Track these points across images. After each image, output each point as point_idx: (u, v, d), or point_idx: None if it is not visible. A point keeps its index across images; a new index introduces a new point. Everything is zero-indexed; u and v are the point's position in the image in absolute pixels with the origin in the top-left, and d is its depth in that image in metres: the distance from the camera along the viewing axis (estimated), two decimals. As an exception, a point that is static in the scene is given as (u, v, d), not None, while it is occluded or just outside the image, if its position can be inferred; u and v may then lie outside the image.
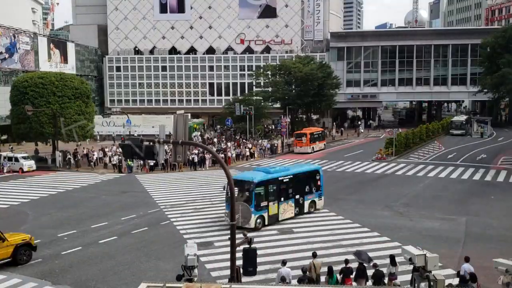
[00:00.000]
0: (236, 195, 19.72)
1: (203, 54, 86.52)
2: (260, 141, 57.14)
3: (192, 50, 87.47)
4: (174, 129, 13.76)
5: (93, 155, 46.25)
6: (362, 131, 76.08)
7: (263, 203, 24.21)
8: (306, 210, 26.97)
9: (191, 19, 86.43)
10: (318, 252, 20.78)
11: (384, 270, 16.24)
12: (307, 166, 30.48)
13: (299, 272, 16.22)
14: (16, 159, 43.69)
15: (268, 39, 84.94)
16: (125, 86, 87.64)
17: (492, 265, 12.20)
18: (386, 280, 15.99)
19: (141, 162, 42.02)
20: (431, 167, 42.71)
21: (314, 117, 76.72)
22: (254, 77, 76.03)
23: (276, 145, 54.60)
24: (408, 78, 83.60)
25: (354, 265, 16.38)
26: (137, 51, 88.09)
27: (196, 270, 13.95)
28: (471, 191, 33.24)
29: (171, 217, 27.35)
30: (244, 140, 57.96)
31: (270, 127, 74.87)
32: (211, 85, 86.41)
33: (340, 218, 26.45)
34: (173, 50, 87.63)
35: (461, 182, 36.77)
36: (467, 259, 16.36)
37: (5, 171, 43.18)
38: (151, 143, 13.99)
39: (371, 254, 20.11)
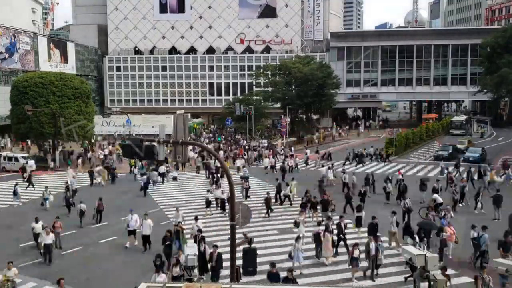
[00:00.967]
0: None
1: (203, 54, 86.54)
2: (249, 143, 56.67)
3: (192, 50, 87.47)
4: (174, 129, 13.75)
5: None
6: (362, 131, 76.04)
7: None
8: None
9: (191, 19, 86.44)
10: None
11: None
12: None
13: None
14: (16, 159, 43.64)
15: (268, 39, 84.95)
16: (125, 86, 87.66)
17: (492, 265, 12.21)
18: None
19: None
20: (431, 167, 42.65)
21: (314, 117, 76.71)
22: (254, 77, 76.06)
23: (276, 145, 54.57)
24: (408, 78, 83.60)
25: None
26: (137, 51, 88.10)
27: (196, 270, 13.96)
28: (471, 191, 33.15)
29: (171, 217, 27.30)
30: (243, 140, 57.97)
31: (270, 127, 74.87)
32: (211, 85, 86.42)
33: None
34: (173, 50, 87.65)
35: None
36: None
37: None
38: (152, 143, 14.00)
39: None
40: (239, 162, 42.08)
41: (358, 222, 23.55)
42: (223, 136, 63.18)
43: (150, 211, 28.52)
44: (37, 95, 45.03)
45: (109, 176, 38.62)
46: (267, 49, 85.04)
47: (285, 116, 62.21)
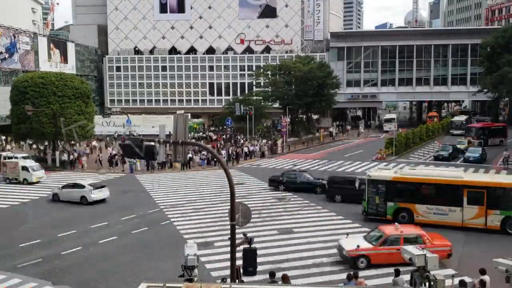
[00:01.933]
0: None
1: (203, 54, 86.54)
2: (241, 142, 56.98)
3: (192, 50, 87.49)
4: (174, 129, 13.75)
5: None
6: (362, 131, 76.04)
7: None
8: None
9: (191, 19, 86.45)
10: (318, 252, 20.89)
11: None
12: None
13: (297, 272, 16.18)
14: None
15: (268, 39, 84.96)
16: (125, 86, 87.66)
17: (492, 265, 12.21)
18: None
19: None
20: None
21: (314, 117, 76.72)
22: (254, 77, 76.07)
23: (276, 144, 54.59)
24: (408, 78, 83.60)
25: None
26: (137, 51, 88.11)
27: (196, 270, 13.97)
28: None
29: (171, 217, 27.36)
30: (243, 140, 58.04)
31: (270, 127, 74.88)
32: (211, 85, 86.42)
33: (340, 218, 26.46)
34: (173, 50, 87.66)
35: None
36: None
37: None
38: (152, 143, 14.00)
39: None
40: None
41: None
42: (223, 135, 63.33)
43: (150, 211, 28.66)
44: (37, 95, 45.02)
45: None
46: (267, 49, 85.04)
47: (285, 116, 62.21)
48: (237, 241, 14.45)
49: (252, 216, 17.23)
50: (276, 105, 68.62)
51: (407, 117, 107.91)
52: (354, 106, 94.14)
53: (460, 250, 21.05)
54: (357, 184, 29.83)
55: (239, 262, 14.36)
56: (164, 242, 22.70)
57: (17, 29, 64.55)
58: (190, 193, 34.04)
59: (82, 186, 31.18)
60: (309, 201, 30.53)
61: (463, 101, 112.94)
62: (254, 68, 79.76)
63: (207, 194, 33.45)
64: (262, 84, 74.76)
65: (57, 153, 46.58)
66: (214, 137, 63.00)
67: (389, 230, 19.78)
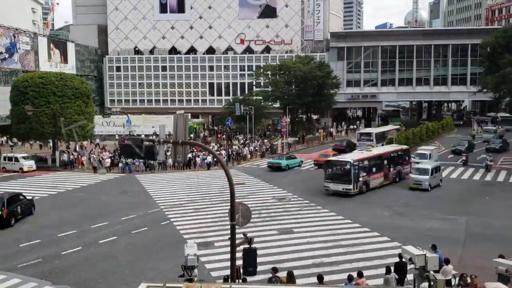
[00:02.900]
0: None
1: (203, 54, 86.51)
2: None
3: (192, 50, 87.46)
4: (174, 129, 13.76)
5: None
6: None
7: None
8: None
9: (191, 19, 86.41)
10: (318, 252, 20.90)
11: None
12: None
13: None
14: (16, 159, 43.66)
15: (268, 39, 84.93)
16: (125, 86, 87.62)
17: (492, 265, 12.22)
18: None
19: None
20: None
21: (314, 117, 76.67)
22: (254, 77, 76.02)
23: (276, 145, 54.60)
24: (408, 78, 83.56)
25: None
26: (137, 51, 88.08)
27: (196, 270, 13.97)
28: (471, 191, 33.25)
29: (171, 217, 27.36)
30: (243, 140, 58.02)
31: (270, 127, 74.85)
32: (211, 85, 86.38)
33: (340, 218, 26.46)
34: (173, 50, 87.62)
35: (461, 182, 36.79)
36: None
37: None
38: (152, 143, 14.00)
39: (371, 254, 20.20)
40: None
41: None
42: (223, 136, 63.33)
43: (150, 211, 28.67)
44: (37, 95, 45.02)
45: None
46: (267, 49, 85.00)
47: (285, 116, 62.19)
48: (237, 241, 14.46)
49: (252, 216, 17.26)
50: (276, 105, 68.58)
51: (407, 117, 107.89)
52: (354, 106, 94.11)
53: (460, 249, 21.08)
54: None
55: (239, 262, 14.36)
56: (164, 242, 22.70)
57: (17, 29, 64.50)
58: (190, 193, 34.04)
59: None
60: (309, 201, 30.54)
61: (463, 101, 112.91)
62: (254, 68, 79.71)
63: (207, 194, 33.45)
64: (262, 84, 74.71)
65: (57, 153, 46.57)
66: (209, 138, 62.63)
67: None
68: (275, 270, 16.00)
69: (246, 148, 51.90)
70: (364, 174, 32.85)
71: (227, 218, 15.08)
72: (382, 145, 47.76)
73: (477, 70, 74.95)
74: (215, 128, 78.15)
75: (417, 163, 37.70)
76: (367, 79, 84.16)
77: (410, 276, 15.04)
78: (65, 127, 44.55)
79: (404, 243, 19.76)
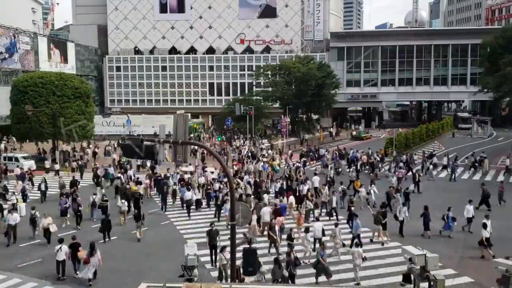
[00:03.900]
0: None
1: (203, 54, 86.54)
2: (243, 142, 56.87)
3: (192, 50, 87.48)
4: (174, 129, 13.76)
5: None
6: (362, 131, 75.94)
7: None
8: None
9: (191, 19, 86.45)
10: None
11: None
12: None
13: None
14: (16, 159, 43.63)
15: (268, 39, 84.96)
16: (125, 86, 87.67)
17: (492, 265, 12.22)
18: None
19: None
20: (431, 167, 42.58)
21: (314, 117, 76.73)
22: (254, 77, 76.08)
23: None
24: (408, 78, 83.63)
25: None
26: (137, 51, 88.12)
27: (196, 270, 13.97)
28: (471, 191, 33.21)
29: (171, 217, 27.35)
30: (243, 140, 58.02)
31: (270, 127, 74.88)
32: (211, 85, 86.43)
33: (340, 218, 26.42)
34: (173, 50, 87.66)
35: (461, 182, 36.78)
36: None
37: None
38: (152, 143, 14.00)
39: (370, 254, 20.16)
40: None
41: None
42: (223, 136, 63.21)
43: (150, 211, 28.65)
44: (37, 95, 44.99)
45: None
46: (267, 49, 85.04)
47: (285, 116, 62.22)
48: (237, 241, 14.46)
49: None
50: (276, 105, 68.60)
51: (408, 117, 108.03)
52: (354, 106, 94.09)
53: (460, 251, 21.06)
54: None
55: (239, 262, 14.37)
56: (164, 242, 22.69)
57: (17, 29, 64.52)
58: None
59: None
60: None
61: (463, 101, 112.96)
62: (254, 68, 79.75)
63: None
64: (262, 84, 74.76)
65: (57, 153, 46.54)
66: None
67: None
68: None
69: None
70: None
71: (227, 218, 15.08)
72: None
73: (477, 70, 75.00)
74: (214, 128, 77.96)
75: None
76: (367, 79, 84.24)
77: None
78: (65, 127, 44.52)
79: (404, 243, 19.78)
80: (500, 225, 24.60)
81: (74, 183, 32.10)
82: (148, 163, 38.48)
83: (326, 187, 28.76)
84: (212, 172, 35.87)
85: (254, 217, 22.68)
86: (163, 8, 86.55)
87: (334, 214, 26.25)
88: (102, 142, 58.29)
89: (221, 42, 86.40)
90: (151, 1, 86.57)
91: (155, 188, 33.13)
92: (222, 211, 25.96)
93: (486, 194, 28.26)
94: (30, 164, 43.93)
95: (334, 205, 26.59)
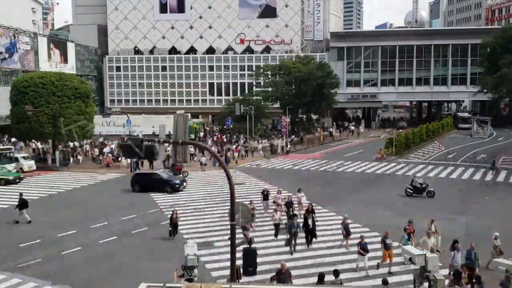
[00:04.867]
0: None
1: (203, 54, 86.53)
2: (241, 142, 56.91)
3: (192, 50, 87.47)
4: (174, 129, 13.76)
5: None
6: (362, 131, 76.04)
7: None
8: None
9: (191, 19, 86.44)
10: (318, 252, 20.87)
11: None
12: None
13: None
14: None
15: (268, 39, 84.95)
16: (125, 86, 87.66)
17: (492, 265, 12.21)
18: None
19: None
20: (431, 167, 42.71)
21: (314, 117, 76.71)
22: (254, 77, 76.05)
23: (276, 145, 54.55)
24: (408, 78, 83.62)
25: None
26: (137, 51, 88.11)
27: (196, 270, 13.96)
28: (471, 191, 33.26)
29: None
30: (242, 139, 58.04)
31: (269, 127, 74.82)
32: (211, 85, 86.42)
33: (341, 218, 26.39)
34: (173, 50, 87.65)
35: (461, 182, 36.79)
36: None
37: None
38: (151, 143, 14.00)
39: (370, 254, 20.15)
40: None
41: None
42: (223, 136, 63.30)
43: (150, 211, 28.68)
44: (37, 95, 44.99)
45: None
46: (267, 49, 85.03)
47: (285, 116, 62.21)
48: (237, 241, 14.46)
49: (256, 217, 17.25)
50: (276, 105, 68.58)
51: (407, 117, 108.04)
52: (354, 106, 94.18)
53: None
54: None
55: (239, 262, 14.37)
56: (164, 242, 22.69)
57: (17, 29, 64.54)
58: (190, 192, 34.02)
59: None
60: (309, 201, 30.42)
61: (463, 101, 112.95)
62: (254, 68, 79.73)
63: (207, 194, 33.44)
64: (262, 84, 74.74)
65: (57, 153, 46.55)
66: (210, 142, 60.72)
67: None
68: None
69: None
70: None
71: (227, 218, 15.09)
72: None
73: (477, 70, 75.02)
74: (213, 127, 77.89)
75: None
76: (367, 79, 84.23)
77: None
78: (64, 127, 44.51)
79: (404, 243, 19.77)
80: (501, 225, 24.62)
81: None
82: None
83: None
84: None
85: None
86: (163, 8, 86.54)
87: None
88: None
89: (221, 42, 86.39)
90: (151, 1, 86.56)
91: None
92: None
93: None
94: (30, 164, 43.97)
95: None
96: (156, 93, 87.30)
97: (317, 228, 22.98)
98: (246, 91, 79.42)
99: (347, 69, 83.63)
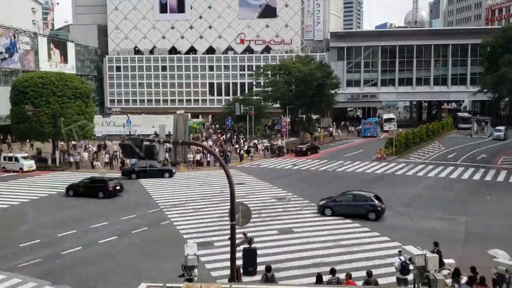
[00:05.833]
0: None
1: (203, 54, 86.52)
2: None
3: (192, 50, 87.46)
4: (174, 129, 13.76)
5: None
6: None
7: None
8: None
9: (191, 19, 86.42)
10: (318, 252, 20.87)
11: None
12: None
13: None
14: (16, 159, 43.65)
15: (268, 39, 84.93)
16: (125, 86, 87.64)
17: (492, 265, 12.22)
18: None
19: None
20: (431, 167, 42.70)
21: (314, 117, 76.70)
22: (254, 77, 76.04)
23: (277, 145, 54.50)
24: (408, 78, 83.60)
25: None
26: (137, 51, 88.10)
27: (196, 270, 13.95)
28: (471, 191, 33.26)
29: (171, 217, 27.35)
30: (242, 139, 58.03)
31: (269, 127, 74.78)
32: (211, 85, 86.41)
33: (340, 218, 26.43)
34: (173, 50, 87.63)
35: (461, 182, 36.78)
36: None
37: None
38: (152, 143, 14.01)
39: (371, 254, 20.19)
40: None
41: None
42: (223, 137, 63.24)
43: (150, 211, 28.67)
44: (37, 95, 45.01)
45: None
46: (267, 49, 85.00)
47: (285, 116, 62.19)
48: (237, 241, 14.46)
49: (252, 216, 17.27)
50: (276, 105, 68.57)
51: (407, 117, 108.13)
52: (354, 106, 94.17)
53: (460, 249, 21.06)
54: None
55: (239, 262, 14.37)
56: (164, 242, 22.69)
57: (17, 29, 64.50)
58: (190, 193, 34.02)
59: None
60: (309, 201, 30.53)
61: (463, 101, 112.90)
62: (254, 68, 79.72)
63: (207, 194, 33.44)
64: (262, 84, 74.73)
65: (57, 153, 46.55)
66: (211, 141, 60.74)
67: None
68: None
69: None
70: None
71: (227, 218, 15.08)
72: None
73: (477, 70, 75.02)
74: (213, 127, 77.80)
75: None
76: (367, 79, 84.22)
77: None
78: (65, 127, 44.51)
79: (404, 243, 19.78)
80: (501, 225, 24.65)
81: None
82: None
83: None
84: None
85: None
86: (163, 8, 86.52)
87: None
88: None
89: (221, 42, 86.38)
90: (151, 1, 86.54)
91: None
92: None
93: None
94: (30, 164, 44.00)
95: None
96: (156, 93, 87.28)
97: (317, 228, 23.03)
98: (246, 91, 79.41)
99: (347, 69, 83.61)
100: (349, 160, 47.53)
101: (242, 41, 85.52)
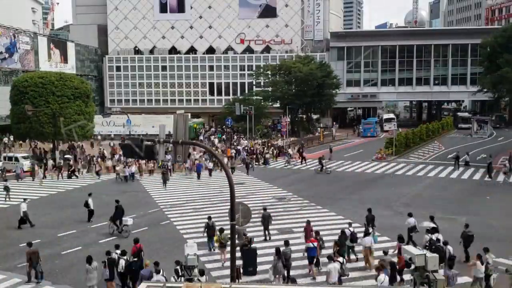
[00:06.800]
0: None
1: (203, 54, 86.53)
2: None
3: (192, 50, 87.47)
4: (174, 129, 13.75)
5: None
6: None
7: None
8: None
9: (191, 19, 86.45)
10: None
11: None
12: None
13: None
14: (16, 159, 43.62)
15: (268, 39, 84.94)
16: (125, 86, 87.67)
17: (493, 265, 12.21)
18: None
19: None
20: (431, 167, 42.71)
21: (314, 117, 76.72)
22: (254, 77, 76.07)
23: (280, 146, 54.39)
24: (408, 78, 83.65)
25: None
26: (137, 51, 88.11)
27: (196, 270, 13.96)
28: (471, 191, 33.25)
29: (171, 217, 27.35)
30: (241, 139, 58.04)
31: (269, 127, 74.81)
32: (211, 85, 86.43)
33: (340, 218, 26.44)
34: (173, 50, 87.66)
35: (461, 182, 36.78)
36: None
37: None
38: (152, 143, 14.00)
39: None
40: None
41: None
42: (223, 136, 63.23)
43: (150, 211, 28.66)
44: (37, 95, 45.03)
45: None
46: (267, 49, 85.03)
47: (285, 116, 62.21)
48: (237, 241, 14.45)
49: (252, 215, 17.27)
50: (276, 105, 68.58)
51: (407, 117, 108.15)
52: (354, 106, 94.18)
53: (460, 249, 21.03)
54: None
55: (239, 262, 14.36)
56: (164, 242, 22.68)
57: (17, 29, 64.52)
58: (190, 193, 34.03)
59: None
60: (309, 201, 30.54)
61: (463, 101, 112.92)
62: (254, 68, 79.77)
63: (206, 194, 33.44)
64: (262, 84, 74.74)
65: (57, 153, 46.55)
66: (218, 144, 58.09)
67: None
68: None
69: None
70: None
71: (227, 218, 15.07)
72: None
73: (477, 70, 75.04)
74: (212, 127, 77.82)
75: None
76: (367, 79, 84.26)
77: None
78: (64, 127, 44.50)
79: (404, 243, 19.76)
80: (501, 225, 24.64)
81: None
82: None
83: None
84: None
85: None
86: (163, 8, 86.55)
87: None
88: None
89: (221, 42, 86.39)
90: (151, 1, 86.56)
91: None
92: None
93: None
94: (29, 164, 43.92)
95: None
96: (156, 93, 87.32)
97: (317, 228, 23.01)
98: (246, 91, 79.45)
99: (347, 69, 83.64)
100: (349, 160, 47.53)
101: (242, 41, 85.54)
